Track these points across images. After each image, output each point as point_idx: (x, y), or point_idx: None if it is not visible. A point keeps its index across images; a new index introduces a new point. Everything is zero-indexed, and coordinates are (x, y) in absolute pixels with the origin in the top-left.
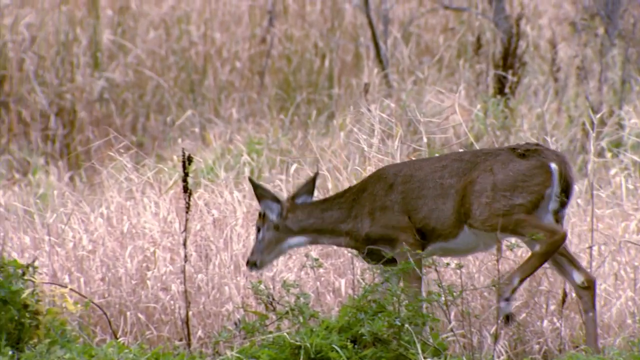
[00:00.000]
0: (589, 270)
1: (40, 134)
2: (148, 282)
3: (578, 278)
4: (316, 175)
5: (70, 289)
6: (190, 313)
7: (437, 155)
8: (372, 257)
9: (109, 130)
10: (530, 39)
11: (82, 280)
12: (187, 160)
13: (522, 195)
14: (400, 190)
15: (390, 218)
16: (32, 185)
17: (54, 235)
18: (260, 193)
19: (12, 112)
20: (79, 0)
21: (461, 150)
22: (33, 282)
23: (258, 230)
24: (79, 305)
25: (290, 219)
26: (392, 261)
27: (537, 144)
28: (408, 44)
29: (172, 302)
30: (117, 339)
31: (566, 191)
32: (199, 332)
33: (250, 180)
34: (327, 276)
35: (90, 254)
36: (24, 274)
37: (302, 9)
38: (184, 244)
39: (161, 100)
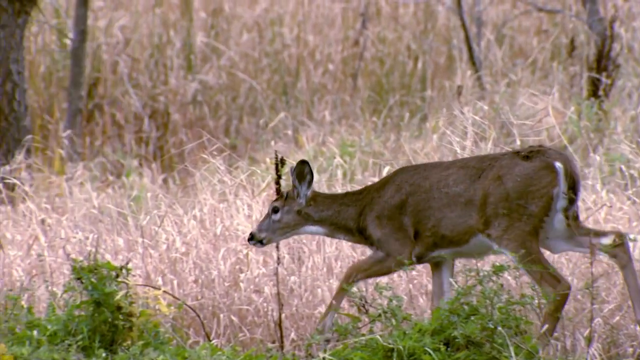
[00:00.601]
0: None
1: (134, 137)
2: (241, 284)
3: (607, 240)
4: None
5: (164, 291)
6: (283, 315)
7: (444, 161)
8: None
9: (202, 132)
10: (624, 41)
11: (175, 282)
12: (280, 163)
13: (534, 201)
14: (410, 202)
15: (396, 230)
16: (125, 188)
17: (148, 237)
18: (305, 175)
19: (106, 115)
20: (172, 2)
21: (467, 156)
22: (127, 284)
23: (276, 210)
24: (172, 307)
25: (312, 207)
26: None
27: (540, 146)
28: (501, 46)
29: (264, 304)
30: (210, 341)
31: (573, 188)
32: (292, 335)
33: (305, 162)
34: (420, 279)
35: (183, 256)
36: (117, 276)
37: (395, 11)
38: (277, 246)
39: (254, 103)
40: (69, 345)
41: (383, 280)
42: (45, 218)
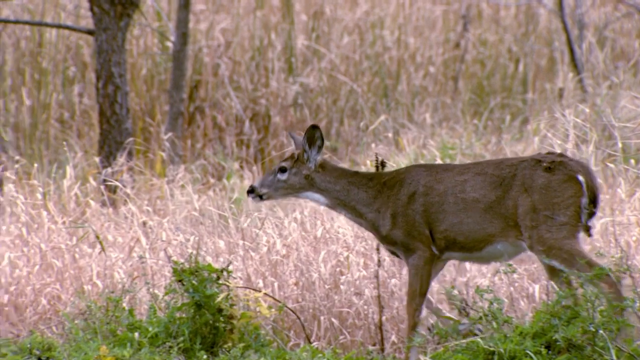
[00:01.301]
0: None
1: (235, 139)
2: (341, 286)
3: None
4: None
5: (264, 294)
6: (383, 318)
7: (457, 165)
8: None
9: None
10: None
11: (275, 284)
12: (381, 165)
13: (562, 211)
14: (422, 202)
15: (411, 226)
16: (226, 190)
17: (248, 239)
18: (316, 139)
19: (207, 117)
20: (273, 5)
21: (481, 160)
22: (227, 286)
23: (283, 170)
24: (272, 310)
25: (320, 174)
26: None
27: (561, 155)
28: (603, 48)
29: (365, 306)
30: (311, 343)
31: (593, 202)
32: (392, 337)
33: (316, 126)
34: (521, 282)
35: (284, 259)
36: (218, 278)
37: (496, 14)
38: (377, 249)
39: (355, 105)
40: (170, 347)
41: (484, 282)
42: (147, 220)
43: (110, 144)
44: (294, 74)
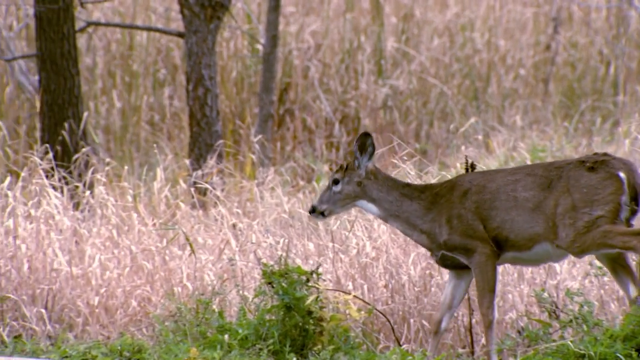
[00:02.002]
0: None
1: (324, 141)
2: (431, 289)
3: (632, 292)
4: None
5: (354, 296)
6: (473, 321)
7: (507, 168)
8: (446, 262)
9: (392, 137)
10: None
11: (365, 287)
12: (470, 167)
13: (600, 207)
14: (474, 199)
15: (467, 226)
16: (316, 192)
17: (338, 242)
18: (367, 146)
19: (297, 120)
20: (363, 8)
21: (532, 163)
22: (317, 288)
23: (336, 182)
24: (362, 312)
25: (372, 182)
26: (465, 267)
27: (605, 154)
28: None
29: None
30: (400, 346)
31: (635, 199)
32: (482, 340)
33: (367, 134)
34: (611, 284)
35: (373, 261)
36: (308, 280)
37: (587, 16)
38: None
39: (444, 108)
40: (260, 349)
41: (574, 285)
42: (236, 223)
43: (200, 147)
44: (383, 76)
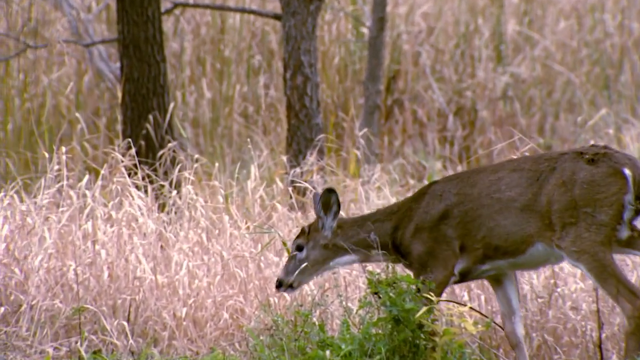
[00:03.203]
0: None
1: (437, 136)
2: (556, 300)
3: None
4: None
5: (470, 308)
6: (603, 335)
7: (488, 166)
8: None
9: (512, 131)
10: None
11: (482, 297)
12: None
13: (604, 210)
14: (456, 214)
15: (439, 247)
16: None
17: None
18: (331, 205)
19: (407, 111)
20: None
21: (515, 157)
22: (429, 299)
23: (300, 248)
24: (479, 326)
25: (340, 237)
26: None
27: (605, 147)
28: None
29: (582, 322)
30: None
31: (639, 198)
32: (613, 357)
33: (332, 190)
34: None
35: None
36: (418, 290)
37: None
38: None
39: (571, 98)
40: None
41: None
42: None
43: (298, 141)
44: (503, 63)
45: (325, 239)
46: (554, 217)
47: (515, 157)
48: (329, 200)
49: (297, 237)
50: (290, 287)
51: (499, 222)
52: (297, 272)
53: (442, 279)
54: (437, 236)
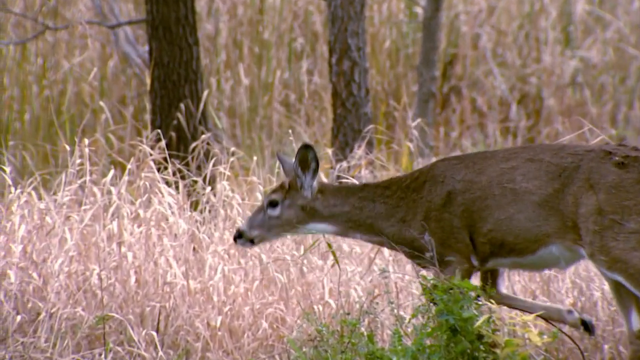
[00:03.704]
0: None
1: (498, 126)
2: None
3: (636, 324)
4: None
5: (535, 316)
6: None
7: (498, 151)
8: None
9: (581, 121)
10: None
11: (548, 304)
12: None
13: (634, 218)
14: (460, 201)
15: (447, 234)
16: None
17: None
18: (309, 162)
19: (465, 100)
20: None
21: (531, 144)
22: (489, 307)
23: (274, 204)
24: (544, 336)
25: (320, 201)
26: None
27: (636, 148)
28: None
29: None
30: None
31: None
32: None
33: (308, 146)
34: None
35: (557, 274)
36: (477, 297)
37: None
38: None
39: None
40: None
41: None
42: None
43: (345, 133)
44: (571, 46)
45: (305, 199)
46: (580, 221)
47: (530, 144)
48: (306, 156)
49: (274, 191)
50: (251, 241)
51: (511, 215)
52: (263, 228)
53: (463, 269)
54: (444, 226)
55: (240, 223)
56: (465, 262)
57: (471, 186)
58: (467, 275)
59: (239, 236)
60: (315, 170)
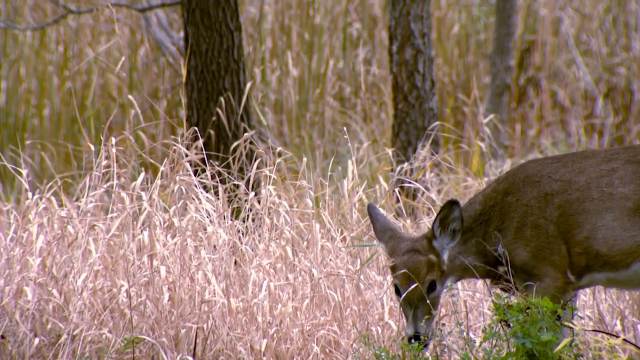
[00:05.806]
0: None
1: (583, 123)
2: None
3: None
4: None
5: (624, 340)
6: None
7: (599, 150)
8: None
9: None
10: None
11: (638, 327)
12: None
13: None
14: (557, 203)
15: (543, 243)
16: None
17: None
18: (450, 221)
19: (544, 93)
20: None
21: (635, 145)
22: (571, 329)
23: (432, 287)
24: None
25: (452, 264)
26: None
27: None
28: None
29: None
30: None
31: None
32: None
33: (456, 201)
34: None
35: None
36: (557, 317)
37: None
38: None
39: None
40: None
41: None
42: None
43: (407, 130)
44: None
45: (443, 264)
46: None
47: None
48: (448, 215)
49: (428, 271)
50: (425, 344)
51: (607, 223)
52: (432, 320)
53: (558, 285)
54: (539, 234)
55: (409, 329)
56: (560, 277)
57: (569, 187)
58: (562, 293)
59: (416, 338)
60: (456, 232)
